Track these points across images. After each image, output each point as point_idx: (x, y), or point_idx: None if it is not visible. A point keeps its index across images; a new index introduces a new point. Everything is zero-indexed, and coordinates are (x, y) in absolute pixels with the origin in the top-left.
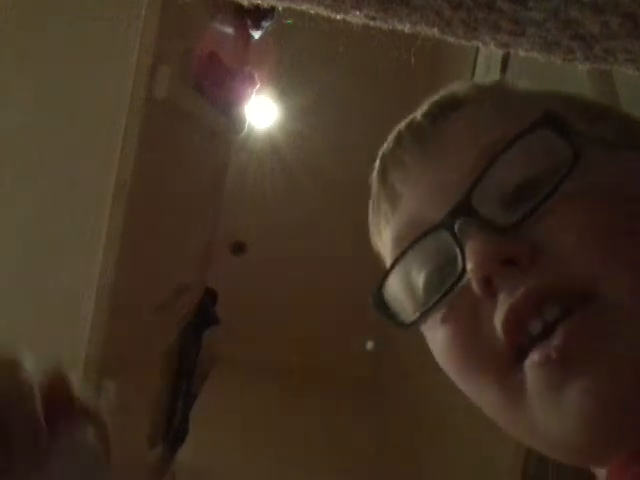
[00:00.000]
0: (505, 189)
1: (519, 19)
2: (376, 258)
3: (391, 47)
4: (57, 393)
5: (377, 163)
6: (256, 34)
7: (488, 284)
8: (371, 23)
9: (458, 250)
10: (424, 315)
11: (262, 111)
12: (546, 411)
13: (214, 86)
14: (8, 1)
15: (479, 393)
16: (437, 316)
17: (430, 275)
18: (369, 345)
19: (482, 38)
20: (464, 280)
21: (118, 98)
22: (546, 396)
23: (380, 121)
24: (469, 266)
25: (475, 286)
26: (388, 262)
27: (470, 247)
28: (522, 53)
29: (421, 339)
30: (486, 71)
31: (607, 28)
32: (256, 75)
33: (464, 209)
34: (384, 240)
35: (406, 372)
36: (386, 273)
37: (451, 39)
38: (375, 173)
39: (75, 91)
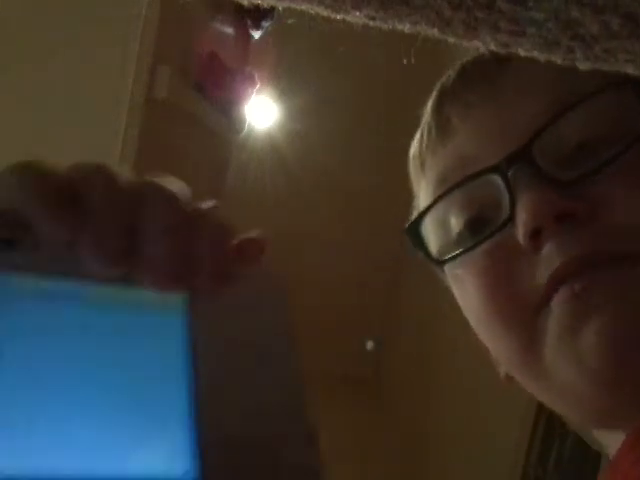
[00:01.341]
0: (566, 145)
1: (519, 19)
2: (376, 258)
3: (391, 47)
4: None
5: (434, 94)
6: (256, 34)
7: (536, 237)
8: (371, 23)
9: (508, 198)
10: (458, 255)
11: (262, 111)
12: (564, 356)
13: (214, 86)
14: (8, 1)
15: (499, 340)
16: (470, 259)
17: (469, 218)
18: (369, 345)
19: (482, 38)
20: (507, 228)
21: (118, 98)
22: (565, 338)
23: (380, 121)
24: (522, 216)
25: (522, 236)
26: (423, 196)
27: (526, 197)
28: (522, 53)
29: (421, 339)
30: None
31: (607, 28)
32: (256, 75)
33: (523, 156)
34: (427, 175)
35: (406, 372)
36: (428, 207)
37: (451, 39)
38: (430, 104)
39: (75, 91)
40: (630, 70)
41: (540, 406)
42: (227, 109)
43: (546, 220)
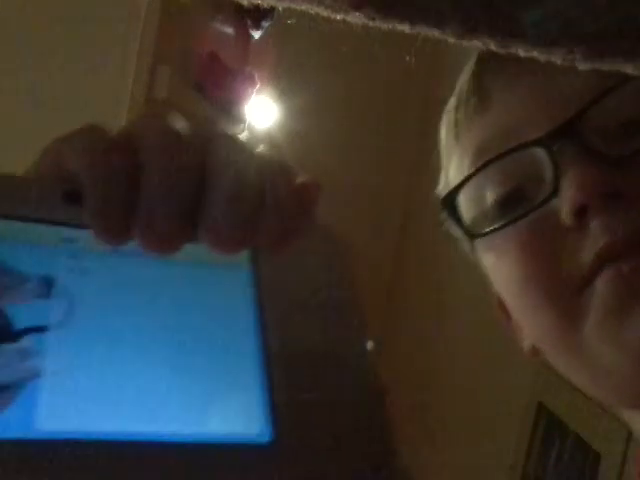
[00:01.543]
0: (614, 121)
1: (519, 19)
2: (376, 258)
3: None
4: None
5: (472, 63)
6: (256, 34)
7: (582, 214)
8: (371, 23)
9: (552, 172)
10: (498, 229)
11: (262, 111)
12: (606, 336)
13: (214, 86)
14: (8, 1)
15: (536, 315)
16: (510, 233)
17: (507, 192)
18: (369, 345)
19: (482, 38)
20: (550, 203)
21: (118, 98)
22: (609, 319)
23: (380, 121)
24: (569, 192)
25: (568, 213)
26: (455, 166)
27: (573, 172)
28: (522, 53)
29: (421, 340)
30: None
31: (607, 28)
32: (256, 75)
33: (571, 130)
34: (462, 146)
35: (406, 372)
36: (466, 178)
37: (451, 39)
38: (468, 73)
39: (75, 91)
40: (630, 70)
41: (540, 406)
42: (227, 109)
43: (594, 197)
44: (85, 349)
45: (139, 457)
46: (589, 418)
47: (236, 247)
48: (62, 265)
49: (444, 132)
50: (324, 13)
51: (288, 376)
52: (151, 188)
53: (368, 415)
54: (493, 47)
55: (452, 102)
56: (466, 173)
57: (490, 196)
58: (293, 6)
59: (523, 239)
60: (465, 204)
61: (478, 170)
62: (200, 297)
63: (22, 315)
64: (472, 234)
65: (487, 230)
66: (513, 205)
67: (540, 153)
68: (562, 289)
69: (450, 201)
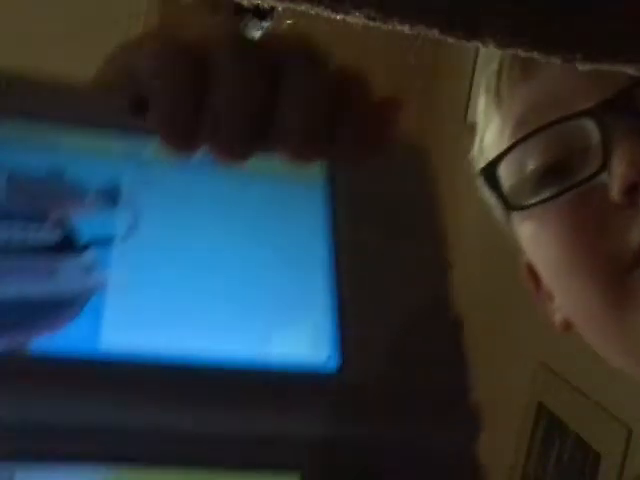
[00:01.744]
0: None
1: (519, 19)
2: None
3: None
4: None
5: None
6: (256, 34)
7: (633, 191)
8: (371, 23)
9: (602, 146)
10: (541, 202)
11: None
12: None
13: None
14: (9, 1)
15: (577, 292)
16: (553, 208)
17: (551, 163)
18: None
19: (482, 38)
20: (598, 178)
21: None
22: None
23: None
24: (620, 168)
25: (618, 190)
26: (494, 133)
27: (625, 147)
28: (522, 53)
29: None
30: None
31: (608, 28)
32: None
33: (623, 102)
34: (503, 113)
35: None
36: (508, 148)
37: (451, 39)
38: None
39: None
40: (631, 71)
41: (540, 406)
42: None
43: None
44: (149, 263)
45: (204, 379)
46: (589, 418)
47: (310, 157)
48: (128, 176)
49: (483, 97)
50: (324, 13)
51: (359, 302)
52: (222, 94)
53: (442, 345)
54: (493, 47)
55: (493, 66)
56: (507, 142)
57: (531, 166)
58: (293, 6)
59: (567, 213)
60: (504, 173)
61: (524, 139)
62: (271, 215)
63: (87, 227)
64: (512, 206)
65: (530, 203)
66: (556, 177)
67: (589, 125)
68: (608, 268)
69: (491, 171)
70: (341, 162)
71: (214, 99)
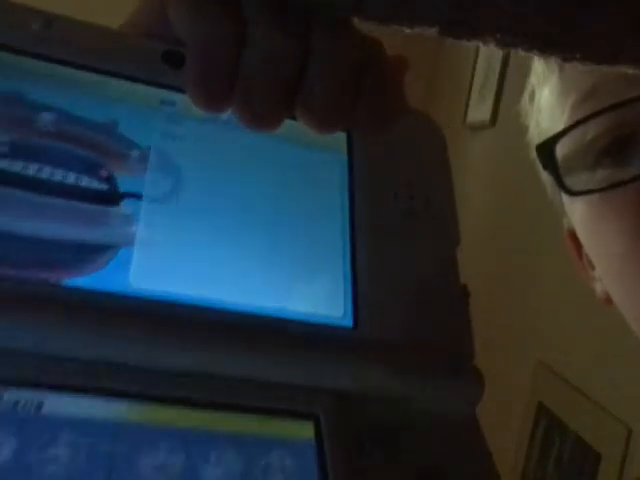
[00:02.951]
0: None
1: (519, 19)
2: None
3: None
4: None
5: None
6: None
7: None
8: (371, 23)
9: None
10: (604, 189)
11: None
12: None
13: None
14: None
15: (635, 285)
16: (618, 195)
17: (618, 144)
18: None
19: (482, 38)
20: None
21: None
22: None
23: None
24: None
25: None
26: (552, 104)
27: None
28: (522, 53)
29: None
30: (486, 71)
31: (608, 28)
32: None
33: None
34: (568, 81)
35: None
36: (574, 124)
37: (451, 39)
38: None
39: None
40: (631, 71)
41: (540, 406)
42: None
43: None
44: (177, 217)
45: (223, 324)
46: (589, 418)
47: (333, 125)
48: (159, 129)
49: (537, 63)
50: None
51: (374, 265)
52: (254, 61)
53: (450, 312)
54: (494, 46)
55: None
56: (567, 112)
57: (596, 147)
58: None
59: (634, 200)
60: (566, 153)
61: (586, 119)
62: (294, 176)
63: (124, 182)
64: (570, 191)
65: (588, 189)
66: (623, 161)
67: None
68: None
69: (548, 150)
70: (361, 130)
71: (248, 63)
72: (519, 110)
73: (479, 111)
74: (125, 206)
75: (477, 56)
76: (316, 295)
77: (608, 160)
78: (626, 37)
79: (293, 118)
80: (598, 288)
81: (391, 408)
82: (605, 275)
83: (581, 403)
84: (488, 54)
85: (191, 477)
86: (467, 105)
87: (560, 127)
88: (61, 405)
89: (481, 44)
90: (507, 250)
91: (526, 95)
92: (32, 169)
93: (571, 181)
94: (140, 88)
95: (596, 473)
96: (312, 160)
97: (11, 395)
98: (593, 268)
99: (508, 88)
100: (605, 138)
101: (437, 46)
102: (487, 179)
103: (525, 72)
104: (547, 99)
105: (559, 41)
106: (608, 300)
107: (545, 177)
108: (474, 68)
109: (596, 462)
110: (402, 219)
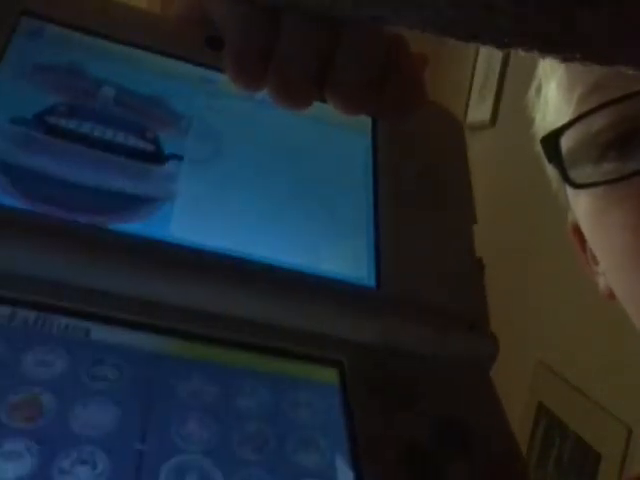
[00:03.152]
0: None
1: (519, 19)
2: None
3: None
4: None
5: None
6: None
7: None
8: (371, 22)
9: None
10: (608, 182)
11: None
12: None
13: None
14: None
15: (638, 278)
16: (622, 189)
17: (624, 137)
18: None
19: (482, 38)
20: None
21: None
22: None
23: None
24: None
25: None
26: (559, 97)
27: None
28: (522, 53)
29: None
30: (486, 71)
31: (608, 28)
32: None
33: None
34: (575, 73)
35: None
36: (579, 116)
37: (451, 39)
38: None
39: None
40: (631, 71)
41: (540, 406)
42: None
43: None
44: (215, 178)
45: (257, 275)
46: (589, 418)
47: (359, 108)
48: (201, 103)
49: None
50: (323, 12)
51: (394, 234)
52: (288, 45)
53: (466, 280)
54: (493, 46)
55: None
56: (573, 105)
57: (601, 140)
58: (292, 5)
59: (638, 193)
60: (565, 137)
61: (600, 107)
62: (323, 150)
63: (168, 143)
64: (574, 184)
65: (591, 182)
66: (624, 151)
67: None
68: None
69: (553, 142)
70: (384, 116)
71: (282, 46)
72: (519, 110)
73: (479, 111)
74: (169, 166)
75: (477, 56)
76: (343, 257)
77: (613, 153)
78: (626, 37)
79: (323, 101)
80: (601, 283)
81: (409, 361)
82: (608, 269)
83: (581, 403)
84: (488, 54)
85: (224, 406)
86: (467, 105)
87: (566, 120)
88: (107, 334)
89: (481, 45)
90: (507, 250)
91: (533, 88)
92: (85, 127)
93: (575, 174)
94: (185, 67)
95: (596, 473)
96: (340, 137)
97: (61, 321)
98: (596, 263)
99: (508, 88)
100: (610, 131)
101: (437, 46)
102: (487, 179)
103: (525, 72)
104: (554, 92)
105: (559, 41)
106: (611, 295)
107: (550, 170)
108: (474, 68)
109: (596, 462)
110: (421, 195)
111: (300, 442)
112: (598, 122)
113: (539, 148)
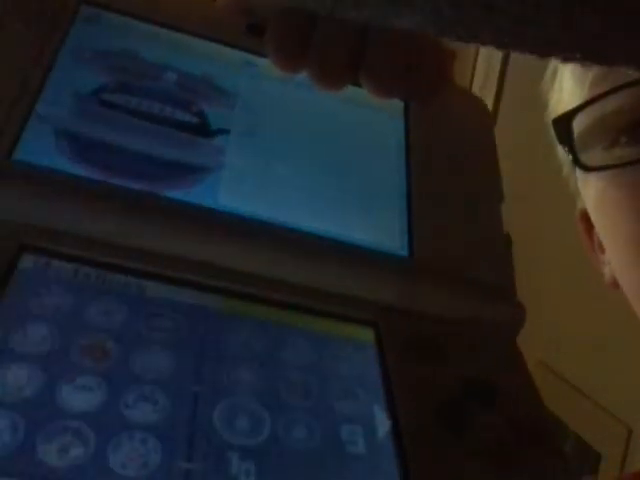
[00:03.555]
0: None
1: (519, 19)
2: None
3: None
4: None
5: None
6: None
7: None
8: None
9: None
10: (617, 166)
11: None
12: None
13: None
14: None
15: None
16: (631, 175)
17: (635, 124)
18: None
19: (482, 38)
20: None
21: None
22: None
23: None
24: None
25: None
26: (571, 80)
27: None
28: (522, 52)
29: None
30: (486, 71)
31: (609, 28)
32: None
33: None
34: (588, 69)
35: None
36: (586, 102)
37: (451, 39)
38: None
39: None
40: (631, 71)
41: None
42: None
43: None
44: (260, 152)
45: (294, 243)
46: (589, 418)
47: (390, 92)
48: (244, 84)
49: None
50: (324, 13)
51: (426, 207)
52: (325, 31)
53: (495, 253)
54: (493, 47)
55: None
56: (587, 89)
57: (612, 124)
58: (294, 6)
59: None
60: (578, 121)
61: (613, 91)
62: (359, 129)
63: (215, 119)
64: (584, 167)
65: (601, 165)
66: (635, 136)
67: None
68: None
69: (565, 124)
70: (413, 97)
71: (319, 32)
72: (519, 109)
73: None
74: (218, 139)
75: (477, 56)
76: (379, 229)
77: (625, 138)
78: (626, 37)
79: (358, 85)
80: (606, 272)
81: (440, 324)
82: (613, 256)
83: (581, 403)
84: (488, 54)
85: (270, 357)
86: None
87: (579, 103)
88: (161, 291)
89: (480, 45)
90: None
91: (548, 73)
92: (134, 102)
93: (586, 157)
94: (229, 51)
95: (596, 473)
96: (374, 119)
97: (119, 279)
98: (603, 251)
99: (508, 88)
100: (623, 115)
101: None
102: None
103: (525, 72)
104: (568, 76)
105: (559, 41)
106: (615, 284)
107: (561, 155)
108: (474, 68)
109: (596, 462)
110: (451, 172)
111: (340, 392)
112: (611, 105)
113: (552, 133)
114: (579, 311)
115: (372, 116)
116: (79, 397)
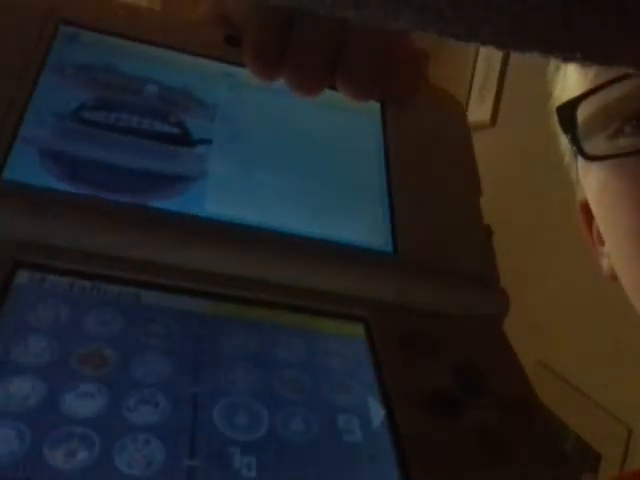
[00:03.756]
0: None
1: (519, 18)
2: None
3: None
4: None
5: None
6: None
7: None
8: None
9: None
10: (620, 156)
11: None
12: None
13: None
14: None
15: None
16: (634, 165)
17: (638, 114)
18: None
19: (482, 38)
20: None
21: None
22: None
23: None
24: None
25: None
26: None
27: None
28: (522, 52)
29: None
30: (486, 71)
31: (608, 28)
32: None
33: None
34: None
35: None
36: (590, 91)
37: (451, 39)
38: None
39: None
40: (631, 71)
41: None
42: None
43: None
44: (241, 159)
45: (282, 245)
46: (589, 418)
47: (366, 94)
48: (223, 95)
49: None
50: (323, 12)
51: (408, 203)
52: (301, 39)
53: (476, 244)
54: (493, 47)
55: None
56: (590, 77)
57: (616, 113)
58: (293, 6)
59: None
60: (582, 110)
61: (617, 80)
62: (337, 132)
63: (196, 130)
64: (587, 156)
65: (604, 155)
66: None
67: None
68: None
69: (569, 112)
70: (389, 98)
71: (295, 40)
72: (519, 110)
73: (479, 111)
74: (199, 149)
75: (477, 56)
76: (363, 227)
77: (629, 127)
78: (626, 37)
79: (334, 89)
80: (605, 264)
81: (427, 317)
82: (613, 248)
83: (581, 403)
84: (488, 54)
85: (265, 356)
86: (467, 105)
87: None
88: (155, 298)
89: (480, 44)
90: (506, 250)
91: (552, 64)
92: (113, 117)
93: (589, 146)
94: (207, 63)
95: (596, 473)
96: (351, 121)
97: (114, 289)
98: (602, 243)
99: (508, 88)
100: (628, 104)
101: (437, 46)
102: (487, 179)
103: (525, 72)
104: (573, 66)
105: (559, 41)
106: (613, 277)
107: (563, 144)
108: (474, 68)
109: (596, 462)
110: (429, 169)
111: (334, 385)
112: (616, 94)
113: (556, 121)
114: (579, 311)
115: (350, 119)
116: (82, 404)
